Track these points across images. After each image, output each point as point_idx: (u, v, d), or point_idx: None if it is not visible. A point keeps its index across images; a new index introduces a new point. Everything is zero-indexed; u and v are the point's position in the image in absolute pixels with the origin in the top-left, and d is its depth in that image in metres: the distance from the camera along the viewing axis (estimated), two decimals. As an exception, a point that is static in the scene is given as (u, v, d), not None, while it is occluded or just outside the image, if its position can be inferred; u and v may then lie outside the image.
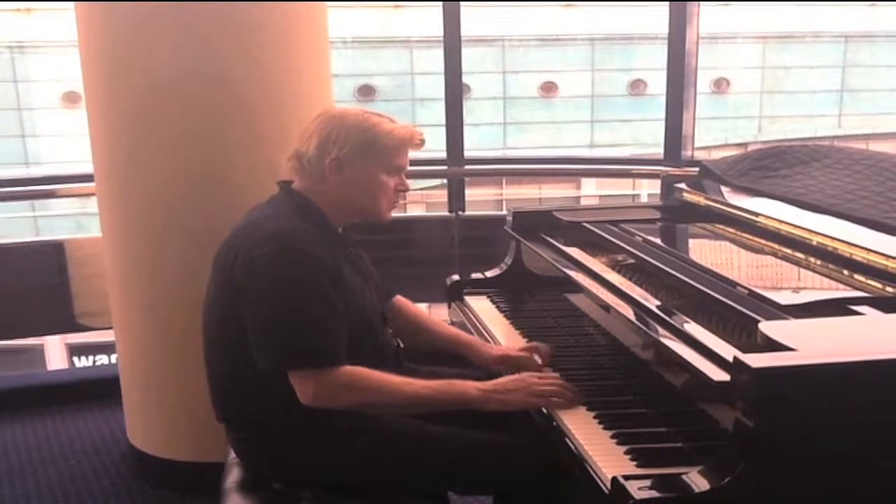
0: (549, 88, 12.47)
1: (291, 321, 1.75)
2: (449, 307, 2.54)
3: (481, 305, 2.44)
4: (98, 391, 3.57)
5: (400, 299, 2.19)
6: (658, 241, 2.20)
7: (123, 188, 2.67)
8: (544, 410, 1.76)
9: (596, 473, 1.49)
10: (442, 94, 3.93)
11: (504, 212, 2.82)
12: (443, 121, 3.93)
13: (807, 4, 12.15)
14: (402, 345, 2.09)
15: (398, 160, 1.90)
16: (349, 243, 1.97)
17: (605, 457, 1.53)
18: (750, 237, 2.16)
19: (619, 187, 10.44)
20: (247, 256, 1.79)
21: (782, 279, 1.95)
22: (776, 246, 2.04)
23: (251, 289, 1.77)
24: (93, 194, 2.91)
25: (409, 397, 1.79)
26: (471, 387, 1.80)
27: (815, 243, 1.92)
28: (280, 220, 1.84)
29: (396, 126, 1.89)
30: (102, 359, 9.12)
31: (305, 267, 1.76)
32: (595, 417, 1.69)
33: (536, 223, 2.47)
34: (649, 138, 10.28)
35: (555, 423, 1.70)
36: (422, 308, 2.25)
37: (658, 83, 10.85)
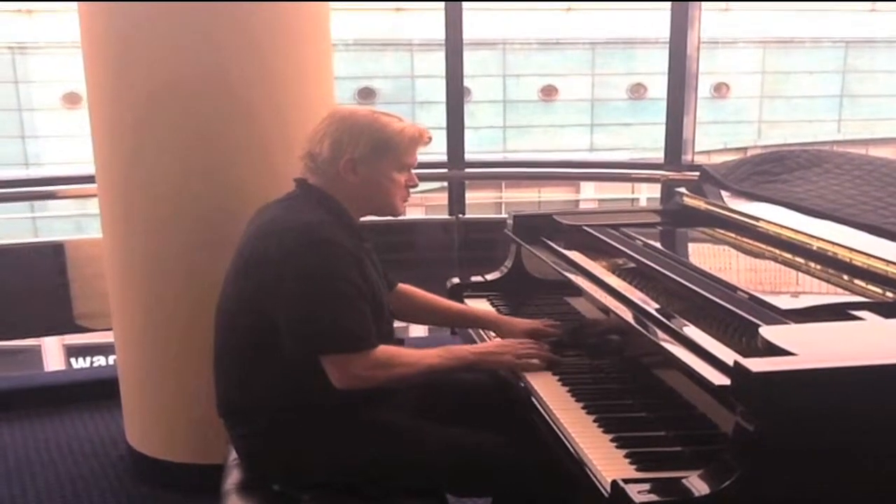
0: (549, 92, 12.49)
1: (329, 308, 1.80)
2: (449, 310, 2.54)
3: (481, 308, 2.43)
4: (97, 392, 3.56)
5: (405, 286, 2.27)
6: (658, 245, 2.20)
7: (125, 189, 2.66)
8: (544, 414, 1.76)
9: (596, 477, 1.48)
10: (442, 97, 3.94)
11: (504, 215, 2.82)
12: (443, 124, 3.94)
13: (807, 9, 12.16)
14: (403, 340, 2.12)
15: (408, 158, 1.96)
16: (364, 237, 2.01)
17: (605, 460, 1.53)
18: (750, 242, 2.16)
19: (618, 191, 10.46)
20: (280, 248, 1.82)
21: (782, 284, 1.95)
22: (776, 250, 2.05)
23: (286, 279, 1.80)
24: (93, 196, 2.90)
25: (427, 367, 1.89)
26: (466, 351, 1.97)
27: (815, 248, 1.92)
28: (307, 213, 1.89)
29: (406, 125, 1.95)
30: (100, 360, 9.13)
31: (338, 256, 1.82)
32: (595, 421, 1.69)
33: (537, 226, 2.47)
34: (649, 142, 10.28)
35: (554, 426, 1.70)
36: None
37: (658, 87, 10.86)
